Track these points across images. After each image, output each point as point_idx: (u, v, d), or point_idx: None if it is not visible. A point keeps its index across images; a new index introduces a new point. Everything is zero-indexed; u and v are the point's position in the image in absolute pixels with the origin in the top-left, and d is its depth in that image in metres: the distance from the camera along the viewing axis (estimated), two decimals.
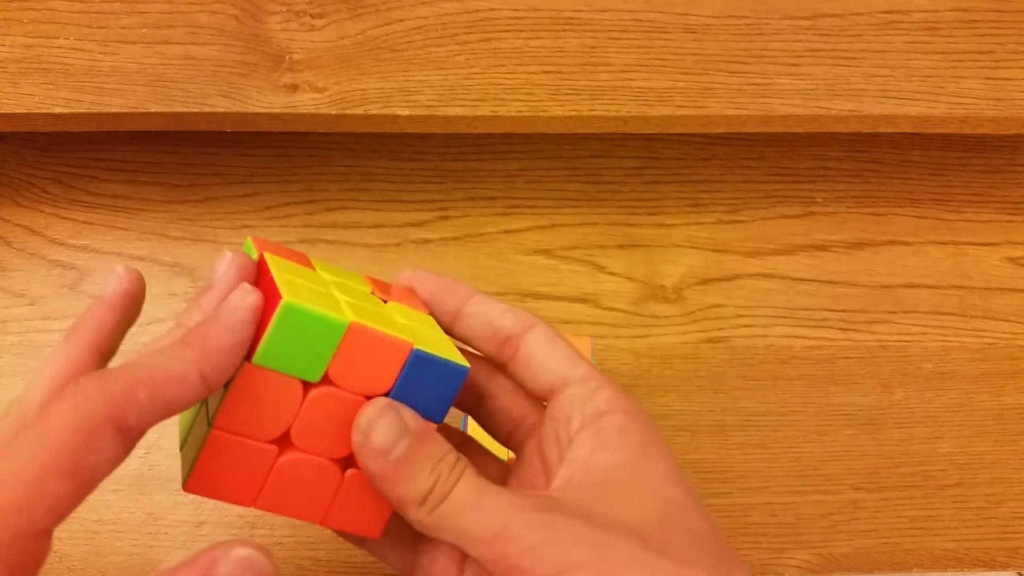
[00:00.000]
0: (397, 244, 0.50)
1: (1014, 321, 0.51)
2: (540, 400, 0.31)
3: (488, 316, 0.31)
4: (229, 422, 0.25)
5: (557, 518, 0.25)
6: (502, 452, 0.34)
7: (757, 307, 0.50)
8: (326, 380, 0.26)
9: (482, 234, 0.51)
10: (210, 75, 0.43)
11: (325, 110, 0.43)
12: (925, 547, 0.46)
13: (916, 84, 0.45)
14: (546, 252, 0.50)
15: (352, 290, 0.29)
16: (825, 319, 0.50)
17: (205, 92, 0.42)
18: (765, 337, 0.50)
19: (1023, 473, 0.47)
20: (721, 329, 0.50)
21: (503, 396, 0.32)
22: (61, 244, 0.48)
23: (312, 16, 0.44)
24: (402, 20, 0.44)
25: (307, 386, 0.26)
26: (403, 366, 0.26)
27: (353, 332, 0.25)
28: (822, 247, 0.52)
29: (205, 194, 0.50)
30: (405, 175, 0.51)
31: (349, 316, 0.26)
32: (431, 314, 0.31)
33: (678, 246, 0.51)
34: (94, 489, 0.23)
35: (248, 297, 0.25)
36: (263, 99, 0.43)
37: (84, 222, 0.49)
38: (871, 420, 0.48)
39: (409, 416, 0.27)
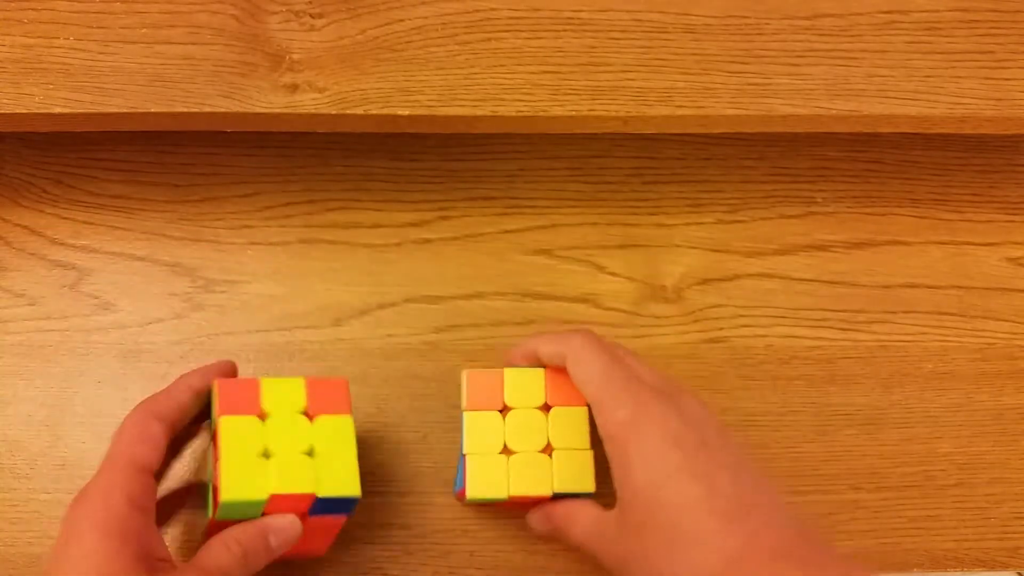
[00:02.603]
0: (397, 244, 0.50)
1: (1014, 321, 0.51)
2: None
3: (537, 354, 0.42)
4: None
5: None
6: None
7: (757, 307, 0.50)
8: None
9: (482, 234, 0.51)
10: (210, 75, 0.43)
11: (325, 110, 0.43)
12: (925, 547, 0.46)
13: (916, 84, 0.45)
14: (546, 252, 0.50)
15: (283, 432, 0.38)
16: (825, 319, 0.50)
17: (205, 92, 0.42)
18: (765, 337, 0.50)
19: (1023, 473, 0.47)
20: (721, 329, 0.50)
21: None
22: (61, 244, 0.48)
23: (312, 16, 0.44)
24: (402, 20, 0.44)
25: None
26: (310, 505, 0.38)
27: (273, 499, 0.37)
28: (822, 247, 0.52)
29: (205, 194, 0.50)
30: (405, 175, 0.51)
31: (269, 487, 0.36)
32: None
33: (678, 246, 0.51)
34: None
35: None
36: (263, 99, 0.43)
37: (84, 222, 0.49)
38: (871, 420, 0.48)
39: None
